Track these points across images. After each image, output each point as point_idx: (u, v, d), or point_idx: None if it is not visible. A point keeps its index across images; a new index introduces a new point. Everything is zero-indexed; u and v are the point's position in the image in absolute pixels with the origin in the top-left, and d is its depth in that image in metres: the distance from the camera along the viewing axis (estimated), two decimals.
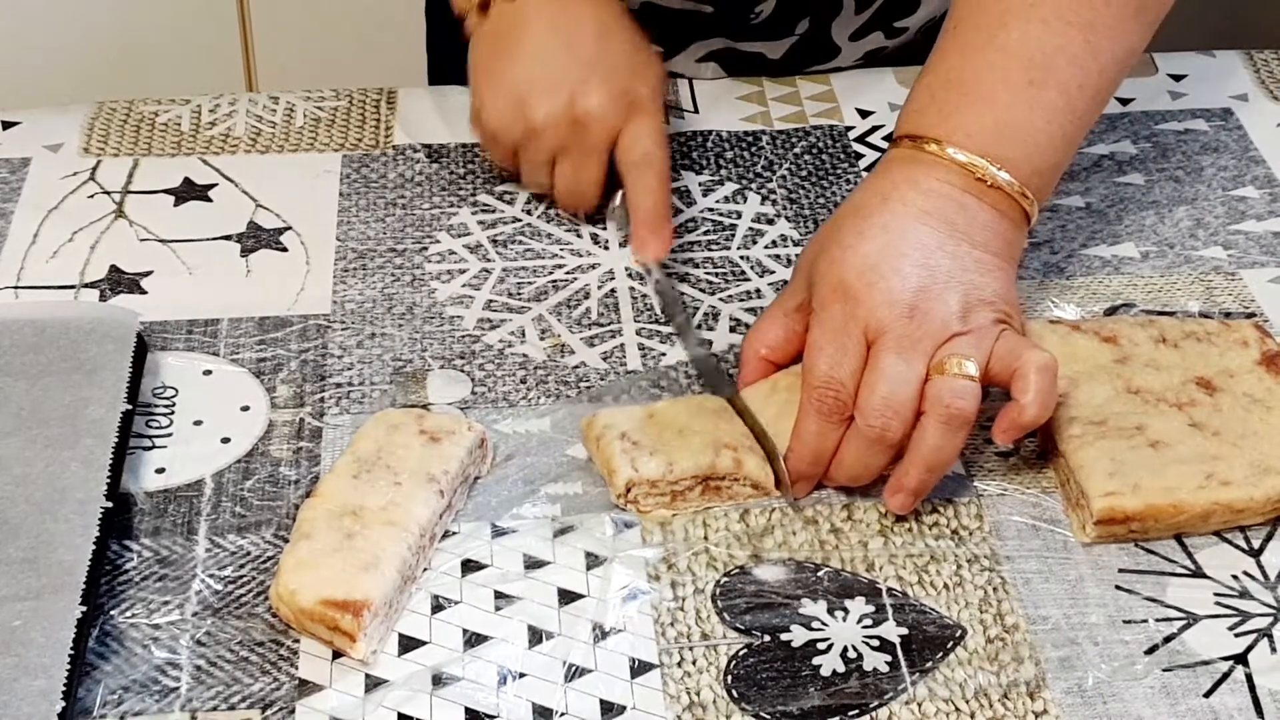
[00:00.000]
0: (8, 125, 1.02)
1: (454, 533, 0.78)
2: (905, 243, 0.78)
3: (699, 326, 0.89)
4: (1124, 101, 1.06)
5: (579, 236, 0.95)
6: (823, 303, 0.78)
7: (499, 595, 0.75)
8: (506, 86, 0.93)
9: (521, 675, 0.72)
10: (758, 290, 0.92)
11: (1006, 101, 0.81)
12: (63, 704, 0.67)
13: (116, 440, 0.78)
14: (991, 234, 0.80)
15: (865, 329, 0.77)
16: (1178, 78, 1.08)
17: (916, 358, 0.76)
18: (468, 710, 0.71)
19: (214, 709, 0.70)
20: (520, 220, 0.96)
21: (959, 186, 0.80)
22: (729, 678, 0.72)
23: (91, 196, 0.96)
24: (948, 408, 0.76)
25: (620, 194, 0.94)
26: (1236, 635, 0.75)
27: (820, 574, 0.77)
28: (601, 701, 0.71)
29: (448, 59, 1.21)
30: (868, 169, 1.00)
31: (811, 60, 1.10)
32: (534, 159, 0.94)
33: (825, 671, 0.72)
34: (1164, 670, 0.73)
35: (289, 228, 0.95)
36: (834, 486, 0.80)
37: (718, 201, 0.98)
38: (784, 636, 0.74)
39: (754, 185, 0.99)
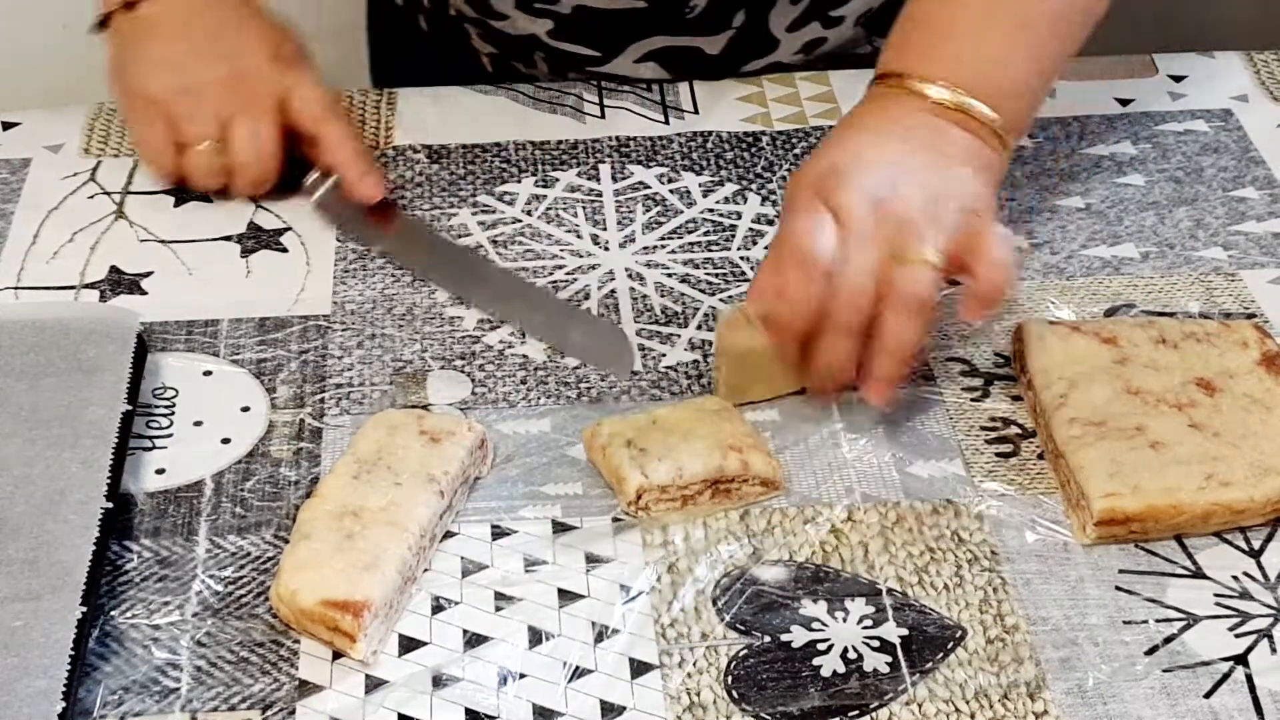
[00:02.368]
0: (8, 126, 1.02)
1: (454, 533, 0.78)
2: (880, 150, 0.81)
3: (699, 327, 0.89)
4: (1124, 102, 1.06)
5: (579, 237, 0.95)
6: (792, 196, 0.81)
7: (499, 596, 0.75)
8: (155, 63, 0.94)
9: (522, 676, 0.72)
10: None
11: (983, 39, 0.84)
12: (63, 704, 0.67)
13: (116, 441, 0.78)
14: (970, 154, 0.82)
15: (835, 217, 0.79)
16: (1178, 78, 1.08)
17: (876, 246, 0.78)
18: (468, 711, 0.71)
19: (214, 709, 0.70)
20: (520, 221, 0.96)
21: (939, 117, 0.82)
22: (729, 678, 0.72)
23: (92, 197, 0.96)
24: (903, 294, 0.78)
25: (314, 173, 0.95)
26: (1237, 636, 0.75)
27: (820, 574, 0.77)
28: (602, 702, 0.71)
29: (392, 59, 1.22)
30: None
31: (751, 53, 1.09)
32: (199, 130, 0.94)
33: (825, 672, 0.72)
34: (1164, 671, 0.73)
35: (289, 228, 0.95)
36: (820, 391, 0.82)
37: (718, 202, 0.98)
38: (784, 637, 0.74)
39: (754, 186, 0.99)
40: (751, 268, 0.93)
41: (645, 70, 1.09)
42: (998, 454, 0.83)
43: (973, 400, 0.85)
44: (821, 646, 0.73)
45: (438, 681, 0.72)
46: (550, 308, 0.89)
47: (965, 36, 0.85)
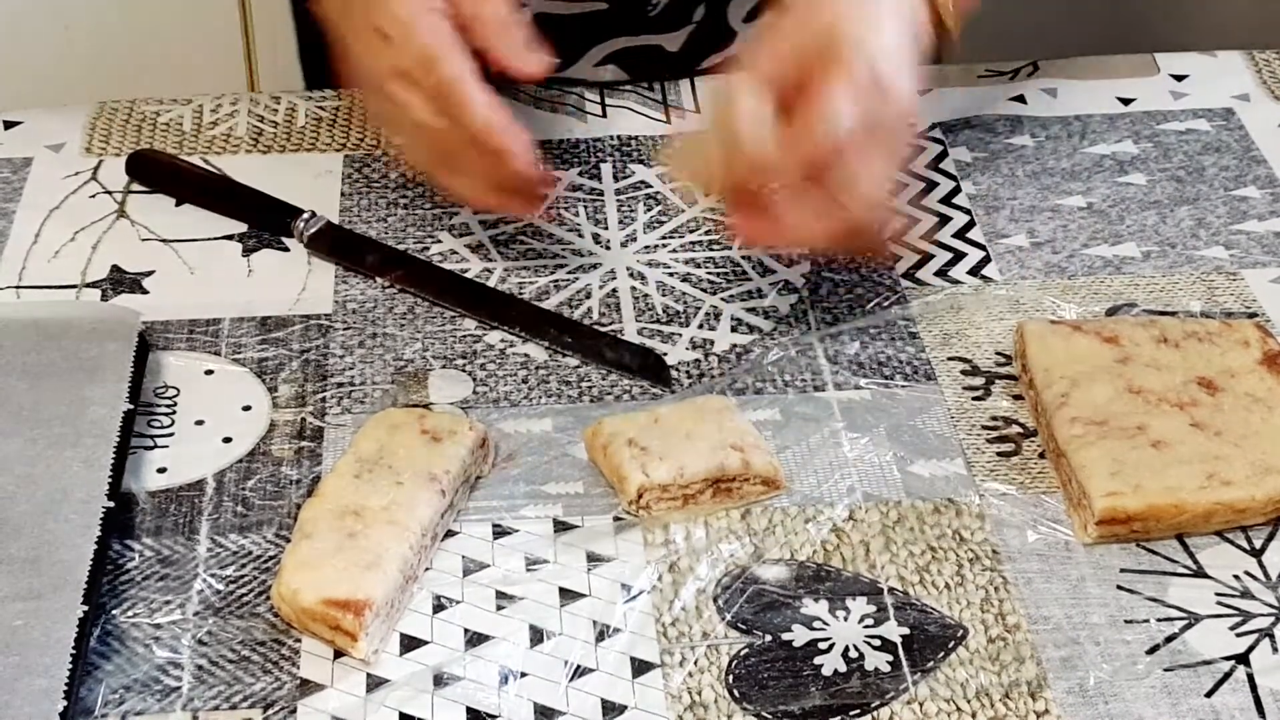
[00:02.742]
0: (9, 125, 1.02)
1: (455, 532, 0.78)
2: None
3: (700, 326, 0.89)
4: (1125, 101, 1.06)
5: (580, 236, 0.95)
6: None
7: (500, 595, 0.75)
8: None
9: (523, 675, 0.72)
10: (759, 290, 0.92)
11: None
12: (64, 703, 0.67)
13: (118, 440, 0.78)
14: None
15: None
16: (1179, 78, 1.08)
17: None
18: (469, 710, 0.71)
19: (215, 708, 0.70)
20: (521, 220, 0.96)
21: None
22: (730, 677, 0.72)
23: (93, 196, 0.96)
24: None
25: (305, 214, 0.93)
26: (1238, 635, 0.75)
27: (822, 573, 0.77)
28: (603, 701, 0.71)
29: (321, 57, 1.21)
30: None
31: (710, 48, 1.09)
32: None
33: (827, 671, 0.72)
34: (1165, 670, 0.73)
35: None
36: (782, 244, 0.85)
37: (719, 201, 0.98)
38: (785, 636, 0.74)
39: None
40: (753, 267, 0.93)
41: (605, 73, 1.09)
42: (999, 453, 0.83)
43: (974, 399, 0.85)
44: (823, 645, 0.73)
45: (439, 680, 0.72)
46: (577, 329, 0.89)
47: None
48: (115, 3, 1.89)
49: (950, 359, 0.88)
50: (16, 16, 1.88)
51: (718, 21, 1.08)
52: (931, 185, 0.99)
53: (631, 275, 0.93)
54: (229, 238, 0.94)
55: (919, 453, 0.82)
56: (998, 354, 0.88)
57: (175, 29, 1.89)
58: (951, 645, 0.74)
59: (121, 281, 0.91)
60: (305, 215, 0.94)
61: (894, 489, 0.80)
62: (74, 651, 0.69)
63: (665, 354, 0.87)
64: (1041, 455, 0.82)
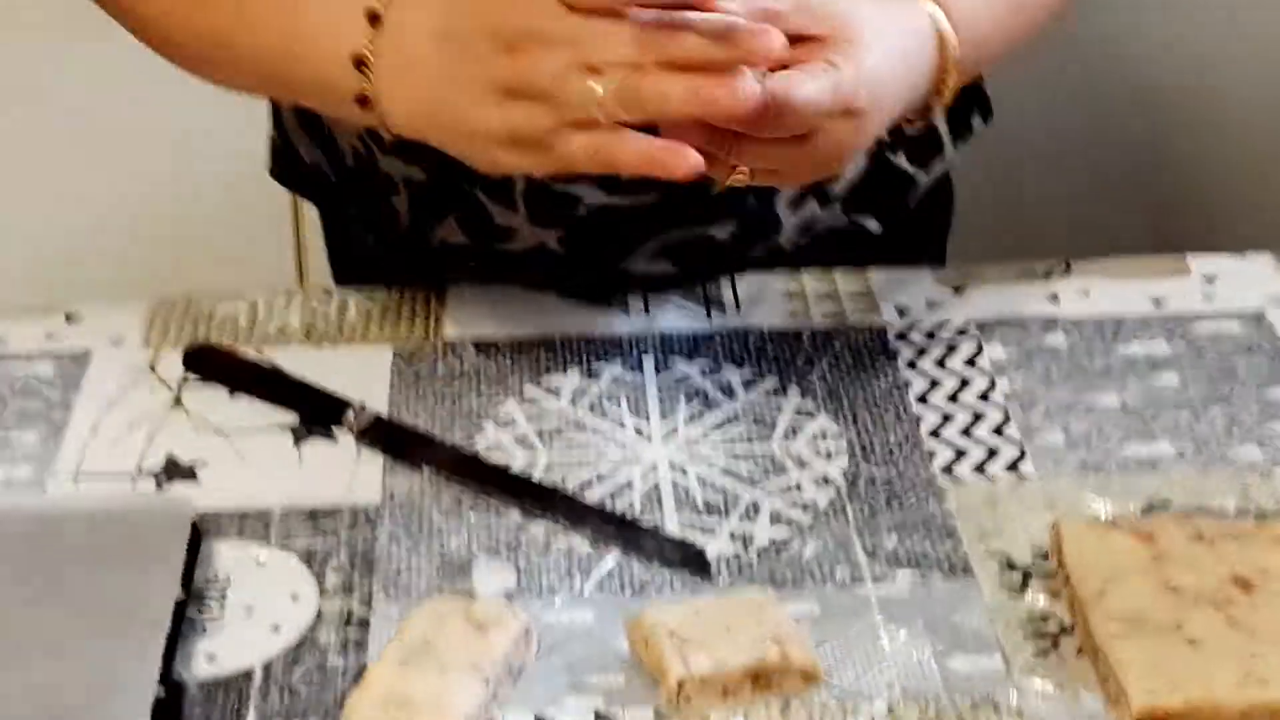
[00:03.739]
0: (71, 319, 1.05)
1: None
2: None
3: (740, 519, 0.91)
4: (1157, 301, 1.08)
5: (622, 428, 0.97)
6: None
7: None
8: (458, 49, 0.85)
9: None
10: (798, 484, 0.93)
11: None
12: None
13: (169, 629, 0.80)
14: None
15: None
16: (1210, 279, 1.10)
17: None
18: None
19: None
20: (565, 413, 0.98)
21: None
22: None
23: (150, 388, 0.99)
24: None
25: (354, 405, 0.96)
26: None
27: None
28: None
29: (350, 260, 1.23)
30: (907, 365, 1.02)
31: (756, 237, 1.10)
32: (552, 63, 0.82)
33: None
34: None
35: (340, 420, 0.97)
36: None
37: (758, 396, 1.00)
38: None
39: (794, 380, 1.01)
40: (792, 460, 0.95)
41: (657, 266, 1.09)
42: (1037, 649, 0.83)
43: (1011, 595, 0.86)
44: None
45: None
46: (619, 522, 0.90)
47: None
48: (173, 203, 1.95)
49: (987, 554, 0.89)
50: (79, 216, 1.94)
51: (766, 210, 1.09)
52: (966, 382, 1.01)
53: (672, 468, 0.94)
54: (281, 428, 0.97)
55: (957, 647, 0.83)
56: (1034, 549, 0.89)
57: (231, 227, 1.94)
58: None
59: (176, 471, 0.93)
60: (355, 407, 0.96)
61: (932, 684, 0.81)
62: None
63: (705, 547, 0.89)
64: (1079, 651, 0.83)
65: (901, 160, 1.13)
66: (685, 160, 0.80)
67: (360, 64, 0.88)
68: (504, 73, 0.83)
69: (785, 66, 0.82)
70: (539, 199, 1.05)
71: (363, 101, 0.88)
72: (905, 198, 1.15)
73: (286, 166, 1.19)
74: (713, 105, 0.80)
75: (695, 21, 0.82)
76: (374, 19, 0.87)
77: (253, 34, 0.93)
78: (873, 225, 1.14)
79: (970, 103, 1.16)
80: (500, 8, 0.83)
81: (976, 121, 1.18)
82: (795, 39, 0.83)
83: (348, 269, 1.25)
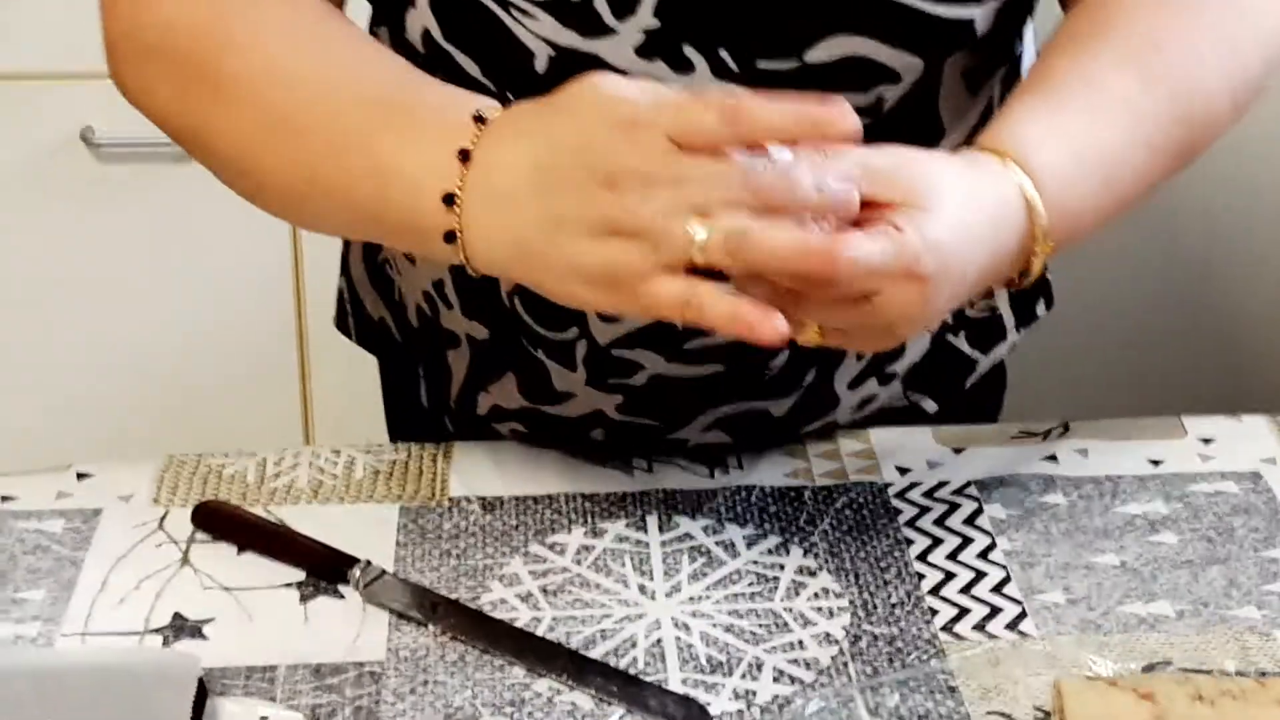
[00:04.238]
0: (82, 476, 1.06)
1: None
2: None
3: (743, 676, 0.91)
4: (1155, 462, 1.09)
5: (626, 586, 0.98)
6: None
7: None
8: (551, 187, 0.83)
9: None
10: (800, 641, 0.94)
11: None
12: None
13: None
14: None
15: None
16: (1206, 440, 1.11)
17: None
18: None
19: None
20: (570, 571, 0.99)
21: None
22: None
23: (159, 545, 1.00)
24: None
25: (361, 563, 0.97)
26: None
27: None
28: None
29: (406, 414, 1.24)
30: (908, 523, 1.03)
31: (813, 413, 1.10)
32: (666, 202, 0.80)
33: None
34: None
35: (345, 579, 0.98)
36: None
37: (761, 554, 1.01)
38: None
39: (796, 539, 1.02)
40: (794, 618, 0.95)
41: (710, 436, 1.09)
42: None
43: None
44: None
45: None
46: (622, 678, 0.90)
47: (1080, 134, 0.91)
48: (182, 363, 1.97)
49: (989, 713, 0.89)
50: (90, 375, 1.97)
51: (824, 387, 1.09)
52: (967, 541, 1.02)
53: (676, 625, 0.95)
54: (287, 585, 0.97)
55: None
56: (1036, 708, 0.89)
57: (239, 387, 1.96)
58: None
59: (183, 628, 0.94)
60: (361, 564, 0.97)
61: None
62: None
63: (709, 704, 0.89)
64: None
65: (963, 343, 1.13)
66: (773, 325, 0.78)
67: (449, 200, 0.85)
68: (608, 210, 0.80)
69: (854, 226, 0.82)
70: (600, 363, 1.05)
71: (449, 238, 0.85)
72: (963, 379, 1.16)
73: (351, 320, 1.21)
74: (819, 262, 0.79)
75: (799, 172, 0.80)
76: (464, 156, 0.85)
77: (343, 171, 0.90)
78: (929, 405, 1.15)
79: (1036, 289, 1.15)
80: (607, 143, 0.81)
81: (1040, 307, 1.18)
82: (865, 204, 0.82)
83: (403, 424, 1.27)
